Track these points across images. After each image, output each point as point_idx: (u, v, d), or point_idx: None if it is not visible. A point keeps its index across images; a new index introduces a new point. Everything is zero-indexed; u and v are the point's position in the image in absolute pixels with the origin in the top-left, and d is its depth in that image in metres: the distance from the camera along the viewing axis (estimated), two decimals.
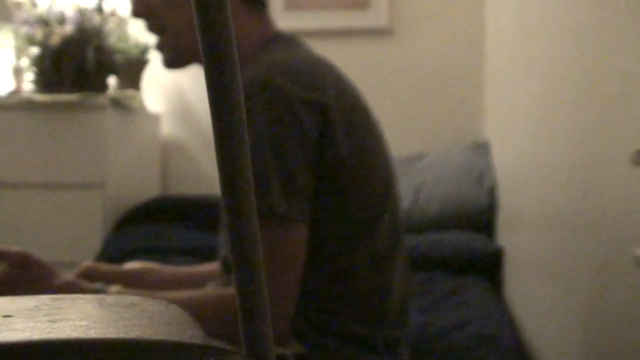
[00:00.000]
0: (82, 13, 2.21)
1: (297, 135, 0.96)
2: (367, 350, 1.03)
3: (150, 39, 2.40)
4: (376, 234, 1.05)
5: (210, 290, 1.09)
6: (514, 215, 1.81)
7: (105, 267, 1.19)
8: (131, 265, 1.23)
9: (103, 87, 2.23)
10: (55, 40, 2.14)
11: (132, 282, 1.17)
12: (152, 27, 1.12)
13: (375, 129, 1.09)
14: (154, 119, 2.55)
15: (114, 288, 1.01)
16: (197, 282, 1.21)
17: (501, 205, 2.01)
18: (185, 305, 0.90)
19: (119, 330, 0.28)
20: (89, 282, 1.07)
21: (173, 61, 1.13)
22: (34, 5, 2.25)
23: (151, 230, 2.14)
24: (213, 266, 1.26)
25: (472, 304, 1.59)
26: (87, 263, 1.17)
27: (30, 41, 2.19)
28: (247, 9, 1.09)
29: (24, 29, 2.19)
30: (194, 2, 0.26)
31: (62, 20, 2.20)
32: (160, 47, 1.12)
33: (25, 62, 2.26)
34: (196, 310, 0.93)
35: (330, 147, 0.99)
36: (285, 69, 1.00)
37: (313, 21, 2.51)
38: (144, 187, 2.43)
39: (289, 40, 1.11)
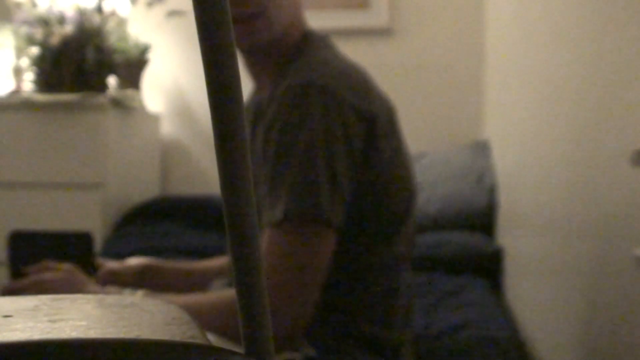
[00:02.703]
0: (82, 13, 2.21)
1: (345, 143, 0.97)
2: (375, 352, 1.03)
3: (150, 38, 2.41)
4: (399, 237, 1.06)
5: (215, 291, 1.09)
6: (514, 215, 1.80)
7: (120, 269, 1.19)
8: (134, 261, 1.23)
9: (103, 87, 2.23)
10: (55, 40, 2.14)
11: (143, 281, 1.18)
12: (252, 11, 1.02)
13: (401, 134, 1.11)
14: (154, 119, 2.55)
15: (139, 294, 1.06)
16: (202, 279, 1.22)
17: (501, 205, 2.01)
18: (191, 307, 0.90)
19: (119, 330, 0.28)
20: (111, 284, 1.14)
21: (255, 46, 1.05)
22: (34, 5, 2.25)
23: (151, 230, 2.14)
24: (215, 262, 1.27)
25: (472, 304, 1.58)
26: (111, 265, 1.18)
27: (30, 41, 2.19)
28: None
29: (24, 29, 2.19)
30: (194, 2, 0.26)
31: (62, 20, 2.20)
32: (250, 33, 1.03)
33: (25, 62, 2.26)
34: (203, 312, 0.93)
35: (374, 156, 1.00)
36: (338, 74, 1.01)
37: (313, 21, 2.47)
38: (144, 187, 2.43)
39: (324, 40, 1.11)
